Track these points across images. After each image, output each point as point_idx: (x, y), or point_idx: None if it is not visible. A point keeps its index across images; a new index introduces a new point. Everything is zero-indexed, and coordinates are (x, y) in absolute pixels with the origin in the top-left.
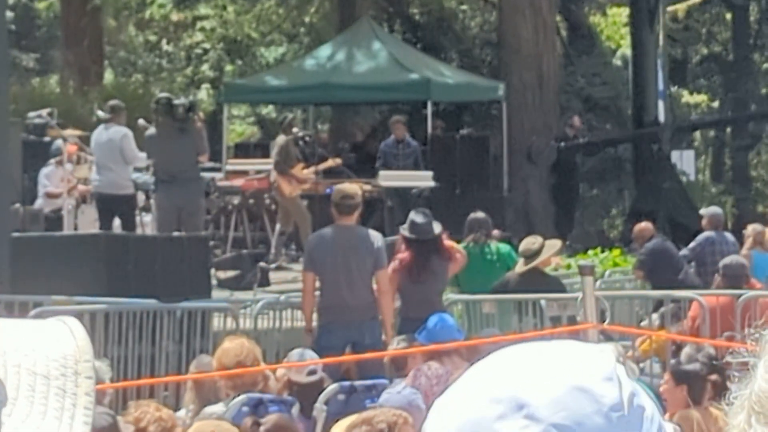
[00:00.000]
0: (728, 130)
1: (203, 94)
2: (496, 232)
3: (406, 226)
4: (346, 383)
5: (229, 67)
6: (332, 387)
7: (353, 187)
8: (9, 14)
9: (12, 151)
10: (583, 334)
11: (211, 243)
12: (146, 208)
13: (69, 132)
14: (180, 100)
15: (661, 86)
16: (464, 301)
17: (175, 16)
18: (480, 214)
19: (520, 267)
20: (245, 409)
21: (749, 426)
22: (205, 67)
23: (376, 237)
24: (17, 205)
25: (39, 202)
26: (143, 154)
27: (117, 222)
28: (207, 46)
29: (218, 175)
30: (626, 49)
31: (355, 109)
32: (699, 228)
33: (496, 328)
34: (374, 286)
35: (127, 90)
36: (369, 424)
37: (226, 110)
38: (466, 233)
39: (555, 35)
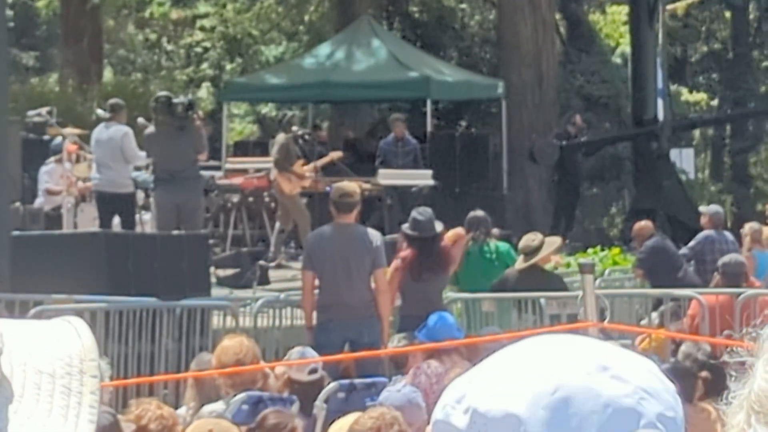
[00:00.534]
0: (728, 128)
1: (203, 92)
2: (495, 231)
3: (408, 223)
4: (346, 381)
5: (228, 66)
6: (332, 385)
7: (352, 186)
8: (9, 12)
9: (11, 150)
10: (583, 333)
11: (211, 241)
12: (146, 207)
13: (68, 130)
14: (179, 99)
15: (660, 84)
16: (464, 300)
17: (174, 15)
18: (479, 213)
19: (520, 264)
20: (245, 407)
21: (749, 426)
22: (204, 65)
23: (374, 236)
24: (17, 203)
25: (39, 200)
26: (143, 153)
27: (117, 220)
28: (207, 44)
29: (218, 174)
30: (625, 47)
31: (354, 107)
32: (698, 226)
33: (495, 326)
34: (372, 285)
35: (127, 88)
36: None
37: (225, 109)
38: (465, 232)
39: (554, 33)
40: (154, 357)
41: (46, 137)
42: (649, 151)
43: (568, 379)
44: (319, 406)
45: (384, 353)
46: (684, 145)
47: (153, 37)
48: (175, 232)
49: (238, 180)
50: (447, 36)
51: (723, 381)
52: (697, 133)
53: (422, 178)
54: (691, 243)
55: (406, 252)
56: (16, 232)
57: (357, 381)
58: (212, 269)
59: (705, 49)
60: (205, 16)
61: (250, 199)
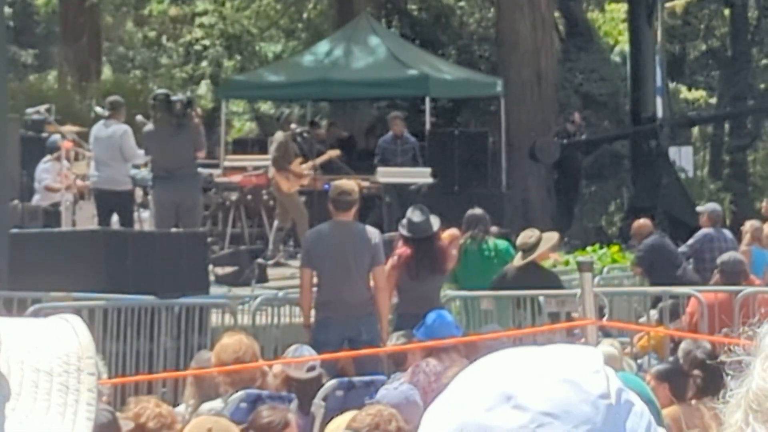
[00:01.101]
0: (726, 126)
1: (202, 90)
2: (494, 229)
3: (403, 224)
4: (345, 379)
5: (227, 63)
6: (331, 383)
7: (350, 184)
8: (7, 10)
9: (10, 148)
10: (582, 330)
11: (209, 239)
12: (144, 205)
13: (67, 128)
14: (178, 96)
15: (659, 82)
16: (462, 298)
17: (173, 12)
18: (478, 211)
19: (518, 261)
20: (243, 405)
21: (746, 424)
22: (203, 63)
23: (373, 233)
24: (15, 201)
25: (36, 197)
26: (142, 152)
27: (115, 218)
28: (206, 42)
29: (216, 172)
30: (624, 45)
31: (353, 105)
32: (697, 224)
33: (494, 324)
34: (371, 283)
35: (126, 86)
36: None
37: (224, 106)
38: (464, 229)
39: (553, 31)
40: (152, 355)
41: (44, 135)
42: (647, 149)
43: (468, 416)
44: (318, 404)
45: (382, 351)
46: (683, 143)
47: (152, 34)
48: (174, 229)
49: (236, 178)
50: (446, 34)
51: (717, 379)
52: (695, 130)
53: (421, 176)
54: (690, 241)
55: (402, 250)
56: (14, 230)
57: (356, 379)
58: (211, 267)
59: (704, 46)
60: (204, 13)
61: (249, 197)
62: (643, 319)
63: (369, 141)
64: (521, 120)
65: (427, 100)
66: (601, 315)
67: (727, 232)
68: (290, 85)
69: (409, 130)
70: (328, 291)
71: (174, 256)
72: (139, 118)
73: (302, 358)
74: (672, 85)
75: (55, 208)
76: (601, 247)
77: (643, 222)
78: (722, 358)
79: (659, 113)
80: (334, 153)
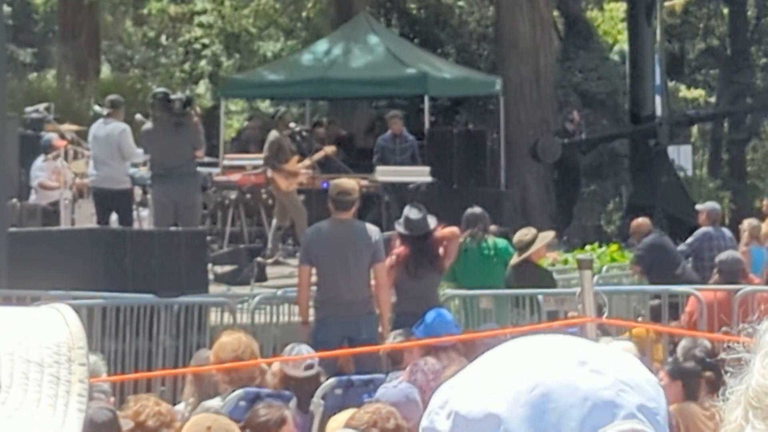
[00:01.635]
0: (726, 125)
1: (201, 88)
2: (493, 228)
3: (400, 222)
4: (344, 378)
5: (226, 62)
6: (329, 381)
7: (351, 183)
8: (6, 9)
9: (9, 146)
10: (581, 329)
11: (208, 238)
12: (143, 203)
13: (66, 127)
14: (177, 95)
15: (658, 81)
16: (461, 296)
17: (172, 11)
18: (477, 209)
19: (514, 259)
20: (242, 403)
21: (746, 421)
22: (202, 62)
23: (373, 230)
24: (14, 200)
25: (33, 196)
26: (140, 150)
27: (114, 217)
28: (205, 41)
29: (215, 170)
30: (623, 44)
31: (352, 104)
32: (696, 223)
33: (493, 323)
34: (371, 281)
35: (124, 85)
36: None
37: (223, 105)
38: (463, 228)
39: (552, 30)
40: (151, 354)
41: (43, 133)
42: (646, 147)
43: (546, 375)
44: (317, 403)
45: (381, 349)
46: (682, 141)
47: (151, 33)
48: (173, 228)
49: (235, 177)
50: (445, 33)
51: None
52: (695, 129)
53: (420, 174)
54: (689, 240)
55: (400, 249)
56: (13, 229)
57: (354, 377)
58: (210, 266)
59: (703, 45)
60: (203, 12)
61: (248, 195)
62: (640, 318)
63: (368, 140)
64: (520, 119)
65: (426, 98)
66: (600, 314)
67: (726, 231)
68: (289, 83)
69: (408, 129)
70: (328, 289)
71: (173, 254)
72: (138, 116)
73: (300, 356)
74: (671, 84)
75: (53, 206)
76: (600, 246)
77: (641, 221)
78: (722, 355)
79: (658, 112)
80: (330, 149)
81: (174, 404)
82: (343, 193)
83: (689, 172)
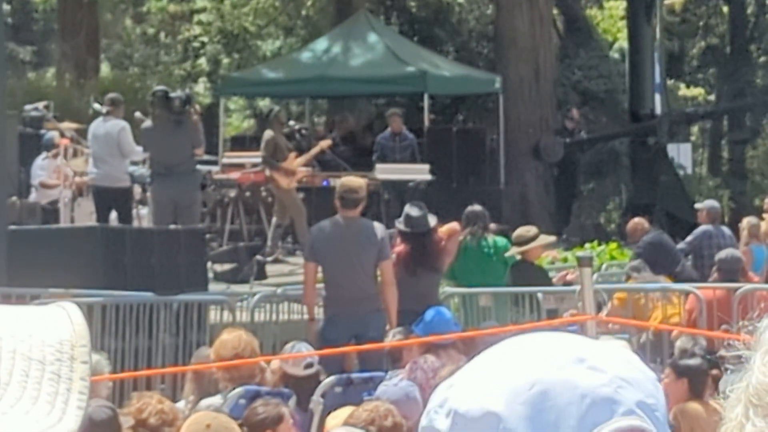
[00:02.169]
0: (725, 123)
1: (200, 87)
2: (493, 226)
3: (401, 219)
4: (343, 376)
5: (226, 60)
6: (329, 379)
7: (359, 181)
8: (6, 7)
9: (8, 144)
10: (581, 326)
11: (208, 236)
12: (143, 201)
13: (65, 125)
14: (176, 93)
15: (657, 79)
16: (461, 295)
17: (171, 9)
18: (477, 207)
19: (511, 252)
20: (242, 401)
21: (747, 419)
22: (201, 60)
23: (379, 228)
24: (14, 198)
25: (33, 194)
26: (140, 148)
27: (114, 215)
28: (204, 39)
29: (215, 168)
30: (623, 42)
31: (351, 102)
32: (696, 221)
33: (493, 321)
34: (377, 279)
35: (124, 83)
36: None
37: (222, 103)
38: (463, 226)
39: (551, 28)
40: (151, 352)
41: (42, 132)
42: (646, 146)
43: (544, 373)
44: (316, 401)
45: (381, 346)
46: (681, 140)
47: (150, 31)
48: (172, 226)
49: (234, 175)
50: (444, 31)
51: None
52: (695, 128)
53: (419, 172)
54: (689, 238)
55: (400, 247)
56: (12, 227)
57: (354, 375)
58: (209, 264)
59: (702, 43)
60: (203, 10)
61: (247, 193)
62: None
63: (367, 138)
64: (520, 117)
65: (426, 96)
66: (599, 311)
67: (726, 229)
68: (289, 82)
69: (408, 127)
70: (335, 287)
71: (172, 253)
72: (138, 114)
73: (301, 354)
74: (670, 83)
75: (53, 205)
76: (599, 244)
77: (638, 221)
78: (722, 352)
79: (658, 110)
80: (325, 144)
81: (174, 402)
82: (350, 191)
83: (689, 170)
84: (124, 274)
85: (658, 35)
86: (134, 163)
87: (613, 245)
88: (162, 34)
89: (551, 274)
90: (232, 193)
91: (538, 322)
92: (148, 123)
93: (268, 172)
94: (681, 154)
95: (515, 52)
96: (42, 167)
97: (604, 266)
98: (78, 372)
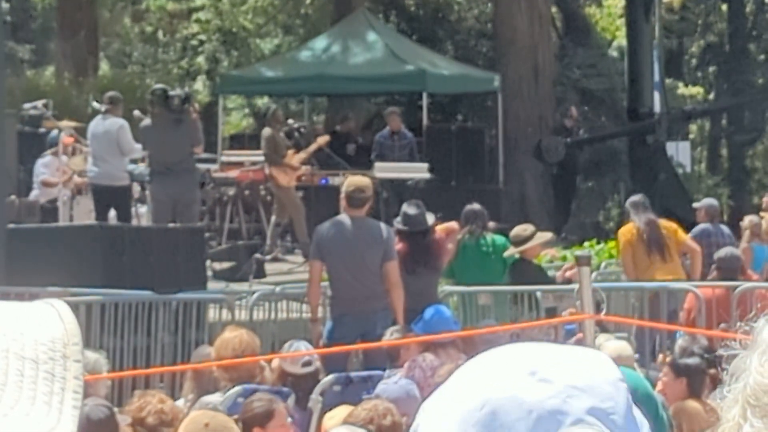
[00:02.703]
0: (724, 122)
1: (199, 85)
2: (491, 224)
3: (399, 218)
4: (342, 374)
5: (224, 59)
6: (328, 378)
7: (365, 181)
8: (5, 5)
9: (7, 143)
10: (580, 325)
11: (207, 234)
12: (142, 200)
13: (64, 123)
14: (175, 92)
15: (656, 78)
16: (460, 293)
17: (170, 7)
18: (476, 206)
19: (509, 252)
20: (241, 399)
21: (744, 420)
22: (200, 58)
23: (384, 228)
24: (13, 196)
25: (34, 193)
26: (139, 146)
27: (112, 213)
28: (203, 37)
29: (213, 167)
30: (622, 41)
31: (350, 101)
32: (695, 220)
33: (492, 319)
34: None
35: (123, 81)
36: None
37: (221, 102)
38: (462, 225)
39: (550, 27)
40: (150, 350)
41: (41, 130)
42: (645, 144)
43: (494, 392)
44: (315, 399)
45: (381, 345)
46: (680, 138)
47: (149, 29)
48: (171, 225)
49: (233, 173)
50: (443, 29)
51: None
52: (694, 126)
53: (418, 171)
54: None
55: (398, 246)
56: (11, 225)
57: (353, 374)
58: (208, 262)
59: (701, 42)
60: (201, 8)
61: (246, 192)
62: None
63: (366, 136)
64: (518, 115)
65: (425, 95)
66: (598, 310)
67: (725, 228)
68: (287, 80)
69: (406, 126)
70: (342, 286)
71: (171, 251)
72: (137, 113)
73: (301, 352)
74: (669, 81)
75: (52, 203)
76: (598, 243)
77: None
78: (720, 352)
79: (657, 108)
80: (323, 140)
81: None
82: (357, 190)
83: (688, 169)
84: (123, 273)
85: (657, 33)
86: (133, 162)
87: (612, 244)
88: (161, 33)
89: (550, 272)
90: (231, 192)
91: (537, 321)
92: (147, 121)
93: (267, 170)
94: (680, 152)
95: (514, 51)
96: (45, 165)
97: (603, 265)
98: (71, 371)
